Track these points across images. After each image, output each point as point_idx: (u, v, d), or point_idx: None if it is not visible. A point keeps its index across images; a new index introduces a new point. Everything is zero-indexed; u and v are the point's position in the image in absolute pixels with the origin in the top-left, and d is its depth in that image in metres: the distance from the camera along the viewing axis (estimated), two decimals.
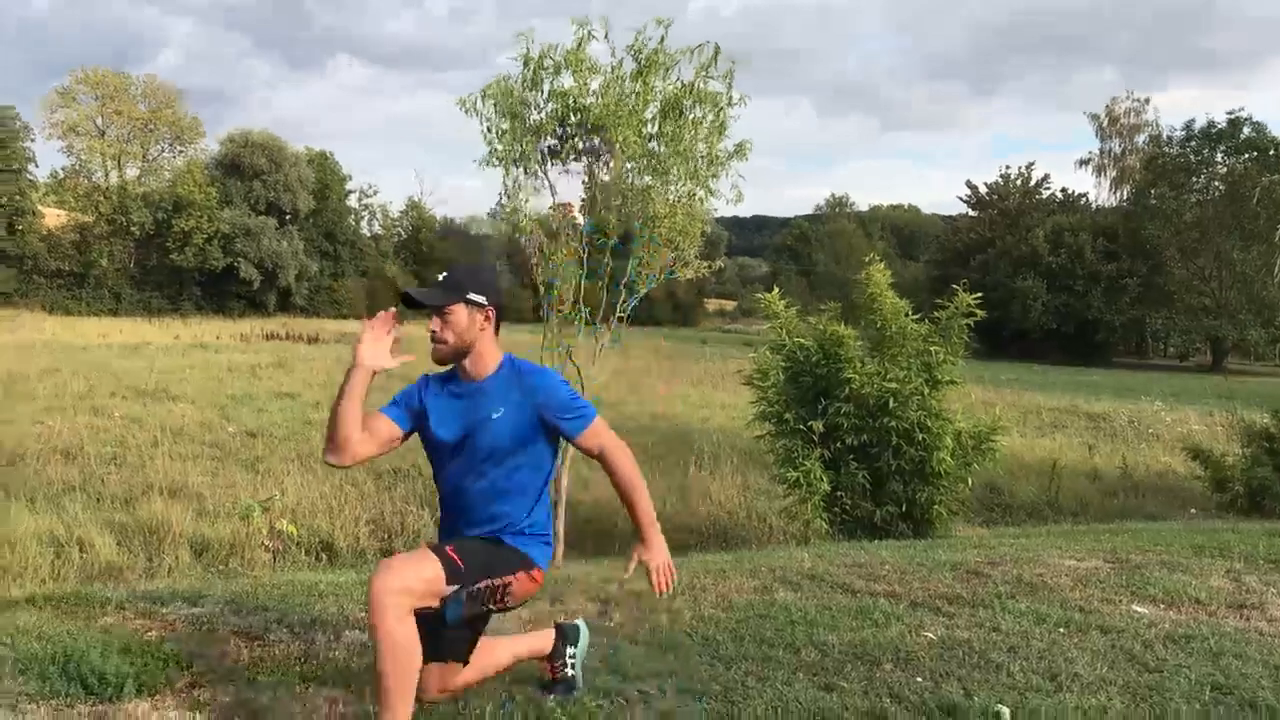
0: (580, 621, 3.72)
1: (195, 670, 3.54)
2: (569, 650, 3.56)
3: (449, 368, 3.23)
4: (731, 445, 14.17)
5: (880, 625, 4.44)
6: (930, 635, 4.31)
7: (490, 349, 3.18)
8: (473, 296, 3.11)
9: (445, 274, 3.18)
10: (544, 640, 3.57)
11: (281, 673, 3.55)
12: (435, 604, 2.94)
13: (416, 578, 2.88)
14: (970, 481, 9.68)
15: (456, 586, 2.96)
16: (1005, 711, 3.38)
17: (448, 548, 3.01)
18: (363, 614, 4.31)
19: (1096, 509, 12.47)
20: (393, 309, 3.19)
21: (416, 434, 3.24)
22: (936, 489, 9.02)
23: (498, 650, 3.47)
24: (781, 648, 4.05)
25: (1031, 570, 5.59)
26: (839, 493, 8.99)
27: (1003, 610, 4.72)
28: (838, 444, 9.07)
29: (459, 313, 3.09)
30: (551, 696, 3.44)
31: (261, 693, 3.35)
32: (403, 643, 2.84)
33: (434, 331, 3.10)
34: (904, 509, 9.00)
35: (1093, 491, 13.59)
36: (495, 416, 3.11)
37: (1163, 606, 4.93)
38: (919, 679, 3.73)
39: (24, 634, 3.77)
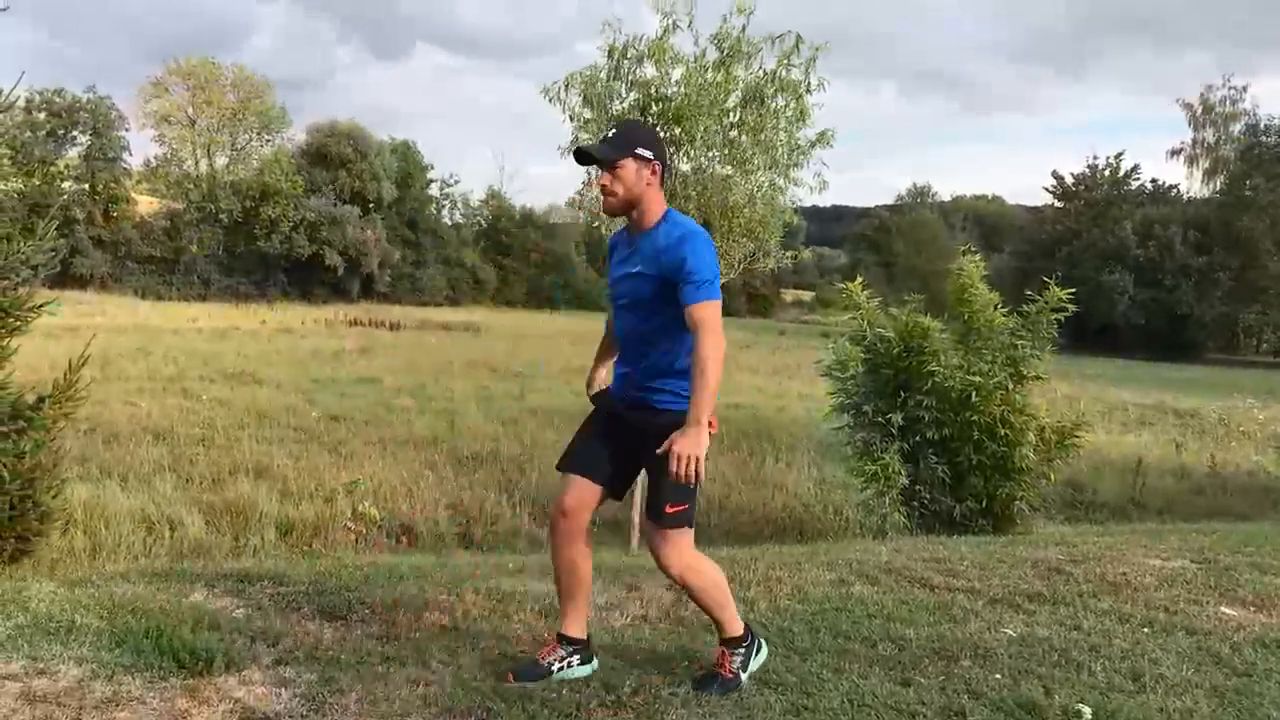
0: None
1: (281, 648, 3.63)
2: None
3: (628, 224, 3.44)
4: (808, 436, 14.09)
5: (959, 621, 4.40)
6: (1010, 632, 4.25)
7: (655, 201, 3.35)
8: (641, 151, 3.28)
9: (614, 130, 3.36)
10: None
11: (364, 653, 3.62)
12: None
13: (684, 542, 3.34)
14: (1052, 478, 9.52)
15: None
16: (1086, 711, 3.33)
17: (667, 506, 3.28)
18: (444, 596, 4.42)
19: (1183, 508, 12.17)
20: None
21: None
22: (1018, 485, 8.88)
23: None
24: (858, 641, 4.03)
25: (1115, 569, 5.48)
26: (917, 487, 8.89)
27: (1084, 609, 4.64)
28: (917, 437, 8.96)
29: (628, 167, 3.27)
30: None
31: (344, 672, 3.42)
32: (708, 577, 3.41)
33: (604, 185, 3.31)
34: (984, 504, 8.88)
35: (1179, 490, 13.28)
36: (635, 271, 3.34)
37: (1253, 609, 4.80)
38: (997, 676, 3.69)
39: (120, 608, 3.90)
